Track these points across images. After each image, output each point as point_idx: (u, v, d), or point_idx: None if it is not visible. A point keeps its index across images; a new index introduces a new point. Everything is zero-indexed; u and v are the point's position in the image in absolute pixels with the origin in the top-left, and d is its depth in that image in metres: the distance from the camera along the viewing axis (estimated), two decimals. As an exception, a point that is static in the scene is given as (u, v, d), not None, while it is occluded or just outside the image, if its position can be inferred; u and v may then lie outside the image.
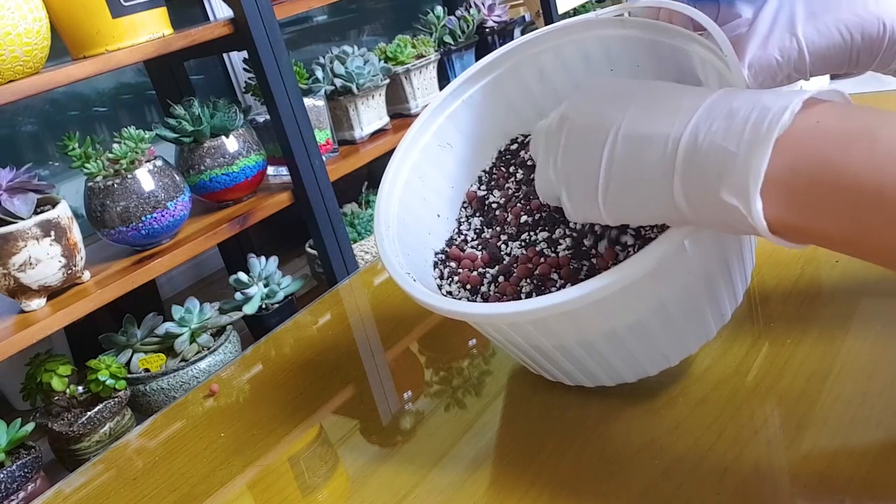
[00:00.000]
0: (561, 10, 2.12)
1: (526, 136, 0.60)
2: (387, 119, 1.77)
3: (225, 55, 1.87)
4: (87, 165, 1.25)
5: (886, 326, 0.50)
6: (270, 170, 1.56)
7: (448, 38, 1.91)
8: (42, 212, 1.13)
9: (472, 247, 0.55)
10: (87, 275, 1.23)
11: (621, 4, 0.54)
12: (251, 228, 1.45)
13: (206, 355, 1.33)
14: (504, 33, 2.02)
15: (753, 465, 0.42)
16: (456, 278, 0.53)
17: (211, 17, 1.83)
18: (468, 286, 0.52)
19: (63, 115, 1.62)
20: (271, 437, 0.58)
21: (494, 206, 0.56)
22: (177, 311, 1.36)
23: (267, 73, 1.39)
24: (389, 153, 0.58)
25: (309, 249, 1.69)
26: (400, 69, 1.77)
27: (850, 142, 0.33)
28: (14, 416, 1.14)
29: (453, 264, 0.54)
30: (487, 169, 0.60)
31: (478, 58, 1.88)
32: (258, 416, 0.62)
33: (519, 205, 0.54)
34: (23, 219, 1.10)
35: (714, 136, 0.36)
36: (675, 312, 0.45)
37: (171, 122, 1.40)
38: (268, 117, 1.49)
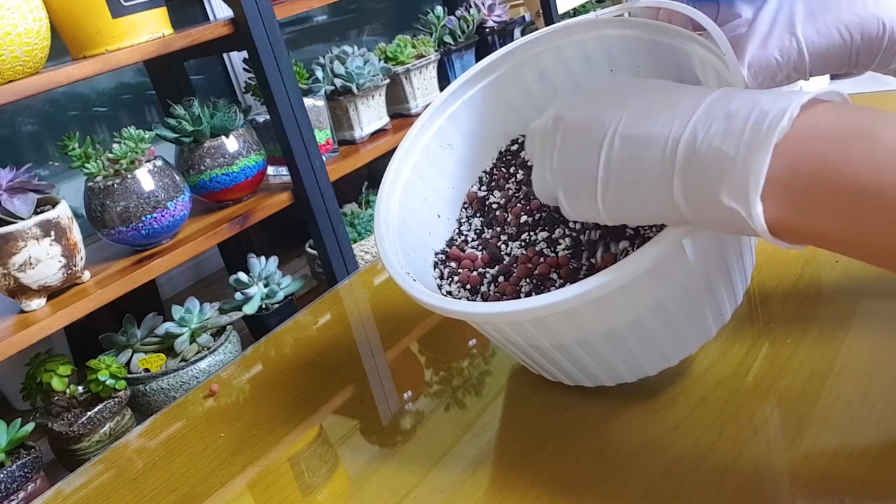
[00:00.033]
0: (561, 11, 2.13)
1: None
2: (387, 119, 1.77)
3: (225, 55, 1.87)
4: (87, 165, 1.25)
5: (886, 326, 0.50)
6: (270, 170, 1.56)
7: (448, 38, 1.91)
8: (42, 212, 1.13)
9: (473, 247, 0.55)
10: (87, 275, 1.23)
11: (621, 5, 0.54)
12: (251, 228, 1.45)
13: (206, 355, 1.33)
14: (504, 33, 2.02)
15: (753, 465, 0.42)
16: (456, 278, 0.53)
17: (211, 17, 1.83)
18: (468, 286, 0.52)
19: (63, 115, 1.62)
20: (271, 437, 0.58)
21: (495, 206, 0.56)
22: (177, 311, 1.36)
23: (267, 73, 1.39)
24: (389, 153, 0.58)
25: (309, 249, 1.69)
26: (400, 69, 1.77)
27: (849, 142, 0.33)
28: (14, 416, 1.14)
29: (453, 264, 0.54)
30: (488, 169, 0.60)
31: (478, 58, 1.88)
32: (258, 416, 0.62)
33: (519, 205, 0.54)
34: (23, 219, 1.10)
35: (713, 139, 0.36)
36: (674, 312, 0.45)
37: (171, 122, 1.40)
38: (268, 117, 1.49)
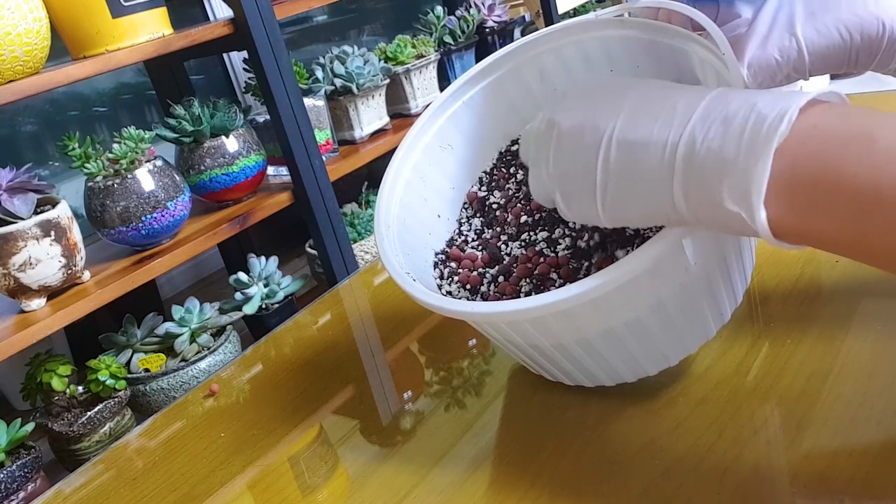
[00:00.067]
0: (561, 11, 2.13)
1: (526, 137, 0.60)
2: (387, 119, 1.77)
3: (225, 55, 1.87)
4: (87, 165, 1.25)
5: (886, 326, 0.50)
6: (270, 170, 1.56)
7: (448, 38, 1.91)
8: (42, 212, 1.13)
9: (473, 247, 0.55)
10: (87, 275, 1.23)
11: (621, 5, 0.54)
12: (251, 228, 1.45)
13: (206, 355, 1.33)
14: (504, 33, 2.02)
15: (753, 465, 0.42)
16: (456, 278, 0.53)
17: (211, 17, 1.83)
18: (468, 286, 0.52)
19: (63, 115, 1.62)
20: (271, 437, 0.58)
21: (495, 206, 0.56)
22: (177, 311, 1.36)
23: (267, 73, 1.39)
24: (389, 153, 0.58)
25: (309, 249, 1.69)
26: (400, 69, 1.77)
27: (847, 144, 0.33)
28: (14, 416, 1.14)
29: (453, 264, 0.55)
30: (488, 170, 0.60)
31: (478, 58, 1.88)
32: (258, 416, 0.62)
33: (519, 205, 0.54)
34: (23, 219, 1.10)
35: (712, 143, 0.35)
36: (673, 312, 0.45)
37: (171, 122, 1.40)
38: (268, 117, 1.49)
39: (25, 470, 1.10)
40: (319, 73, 1.65)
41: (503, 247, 0.53)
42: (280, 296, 1.50)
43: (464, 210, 0.59)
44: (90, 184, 1.27)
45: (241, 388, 0.68)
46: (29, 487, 1.10)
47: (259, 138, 1.49)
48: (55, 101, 1.60)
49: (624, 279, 0.40)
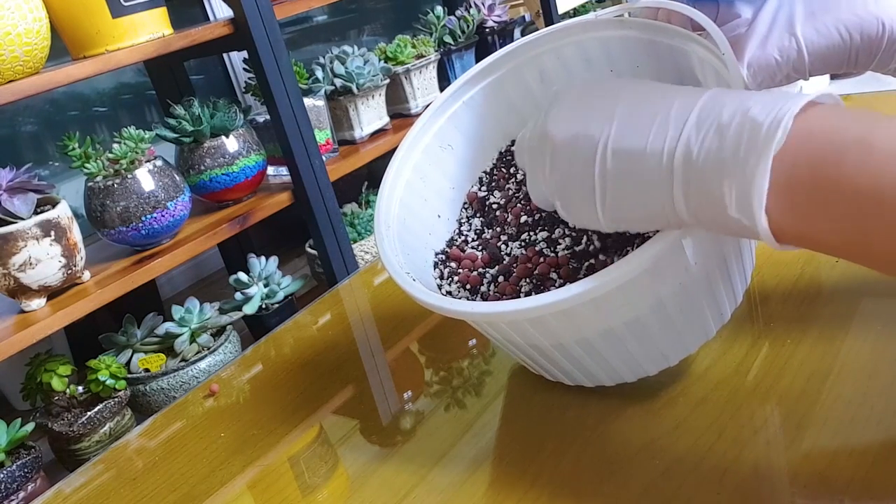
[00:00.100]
0: (561, 11, 2.13)
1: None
2: (387, 119, 1.77)
3: (225, 55, 1.87)
4: (87, 165, 1.25)
5: (886, 326, 0.50)
6: (270, 170, 1.56)
7: (448, 38, 1.91)
8: (42, 212, 1.13)
9: (473, 247, 0.55)
10: (87, 275, 1.23)
11: (621, 5, 0.54)
12: (251, 228, 1.45)
13: (206, 355, 1.33)
14: (504, 33, 2.02)
15: (753, 465, 0.42)
16: (456, 278, 0.53)
17: (211, 17, 1.83)
18: (468, 286, 0.52)
19: (63, 115, 1.62)
20: (271, 437, 0.58)
21: (495, 206, 0.56)
22: (177, 311, 1.36)
23: (267, 73, 1.39)
24: (389, 153, 0.58)
25: (309, 249, 1.69)
26: (400, 69, 1.77)
27: (844, 151, 0.33)
28: (14, 416, 1.14)
29: (453, 264, 0.55)
30: (488, 170, 0.60)
31: (478, 58, 1.88)
32: (258, 416, 0.62)
33: (519, 205, 0.54)
34: (23, 219, 1.10)
35: (709, 153, 0.35)
36: (673, 311, 0.45)
37: (171, 122, 1.40)
38: (268, 117, 1.49)
39: (25, 470, 1.10)
40: (319, 73, 1.65)
41: (503, 247, 0.53)
42: (280, 296, 1.50)
43: (464, 210, 0.59)
44: (90, 184, 1.27)
45: (241, 388, 0.68)
46: (29, 487, 1.10)
47: (259, 138, 1.49)
48: (55, 101, 1.60)
49: (624, 279, 0.40)
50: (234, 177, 1.42)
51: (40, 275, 1.12)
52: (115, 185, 1.25)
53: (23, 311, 1.15)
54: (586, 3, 2.28)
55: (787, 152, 0.34)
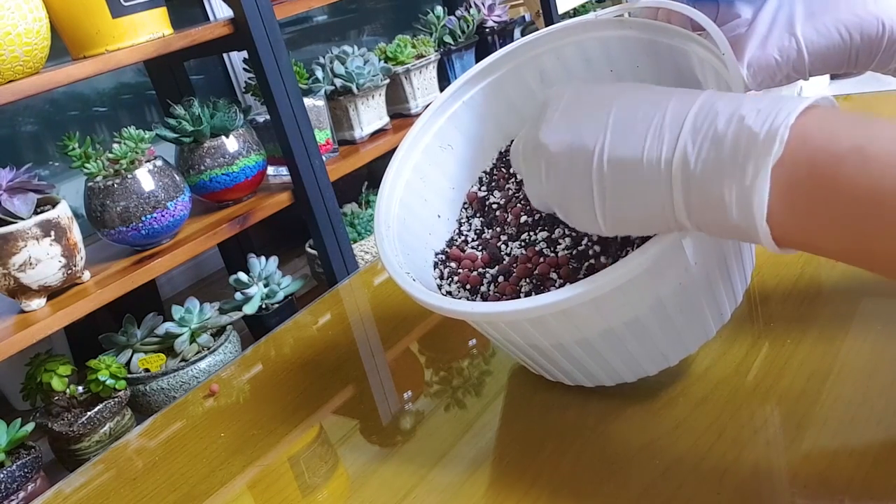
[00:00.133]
0: (561, 11, 2.13)
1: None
2: (387, 119, 1.77)
3: (225, 55, 1.87)
4: (87, 165, 1.25)
5: (886, 326, 0.50)
6: (270, 170, 1.56)
7: (448, 38, 1.91)
8: (42, 212, 1.13)
9: (473, 247, 0.55)
10: (87, 275, 1.23)
11: (621, 5, 0.54)
12: (251, 228, 1.45)
13: (206, 355, 1.33)
14: (504, 33, 2.02)
15: (753, 466, 0.42)
16: (456, 278, 0.53)
17: (211, 17, 1.83)
18: (468, 286, 0.52)
19: (63, 115, 1.62)
20: (271, 437, 0.58)
21: (495, 206, 0.56)
22: (177, 311, 1.36)
23: (267, 73, 1.39)
24: (389, 153, 0.58)
25: (309, 249, 1.69)
26: (400, 69, 1.77)
27: (841, 160, 0.33)
28: (14, 416, 1.14)
29: (453, 264, 0.55)
30: (488, 170, 0.60)
31: (478, 58, 1.88)
32: (258, 416, 0.62)
33: (519, 205, 0.54)
34: (23, 219, 1.10)
35: (706, 163, 0.35)
36: (673, 311, 0.45)
37: (171, 122, 1.40)
38: (268, 117, 1.49)
39: (25, 470, 1.10)
40: (319, 73, 1.65)
41: (503, 247, 0.53)
42: (280, 296, 1.50)
43: (464, 210, 0.59)
44: (90, 184, 1.27)
45: (241, 388, 0.68)
46: (29, 487, 1.10)
47: (259, 138, 1.49)
48: (55, 101, 1.60)
49: (624, 279, 0.40)
50: (234, 177, 1.42)
51: (40, 275, 1.12)
52: (115, 185, 1.25)
53: (23, 311, 1.15)
54: (586, 3, 2.28)
55: (784, 160, 0.34)
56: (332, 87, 1.65)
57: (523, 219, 0.53)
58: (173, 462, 0.59)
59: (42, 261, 1.11)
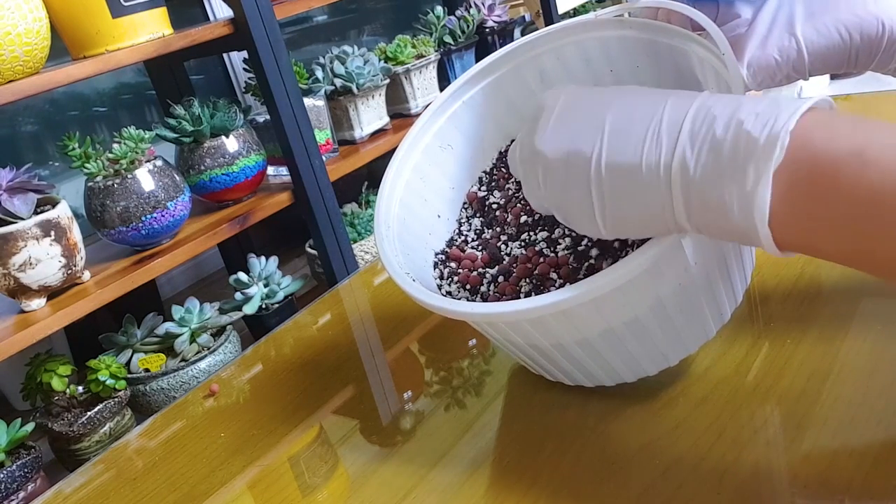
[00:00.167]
0: (561, 11, 2.13)
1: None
2: (387, 119, 1.77)
3: (225, 55, 1.87)
4: (87, 165, 1.25)
5: (886, 326, 0.50)
6: (270, 170, 1.56)
7: (448, 38, 1.91)
8: (42, 212, 1.13)
9: (473, 247, 0.55)
10: (87, 275, 1.23)
11: (621, 5, 0.54)
12: (251, 228, 1.45)
13: (206, 355, 1.33)
14: (504, 33, 2.02)
15: (753, 466, 0.42)
16: (456, 278, 0.53)
17: (211, 17, 1.83)
18: (468, 286, 0.52)
19: (63, 115, 1.62)
20: (271, 437, 0.58)
21: (495, 206, 0.56)
22: (177, 311, 1.36)
23: (267, 73, 1.39)
24: (389, 153, 0.58)
25: (309, 249, 1.69)
26: (400, 69, 1.77)
27: (840, 164, 0.33)
28: (14, 416, 1.14)
29: (453, 264, 0.55)
30: (488, 170, 0.60)
31: (478, 58, 1.88)
32: (258, 416, 0.62)
33: (519, 205, 0.54)
34: (23, 219, 1.10)
35: (706, 168, 0.35)
36: (673, 311, 0.45)
37: (171, 122, 1.40)
38: (268, 117, 1.49)
39: (25, 470, 1.10)
40: (319, 73, 1.65)
41: (503, 247, 0.53)
42: (280, 296, 1.50)
43: (464, 210, 0.59)
44: (90, 184, 1.27)
45: (241, 388, 0.68)
46: (29, 487, 1.10)
47: (259, 138, 1.49)
48: (55, 101, 1.60)
49: (623, 279, 0.40)
50: (234, 177, 1.42)
51: (40, 275, 1.12)
52: (115, 185, 1.25)
53: (23, 311, 1.15)
54: (586, 3, 2.28)
55: (784, 164, 0.34)
56: (332, 87, 1.65)
57: (523, 219, 0.53)
58: (173, 462, 0.59)
59: (42, 261, 1.11)
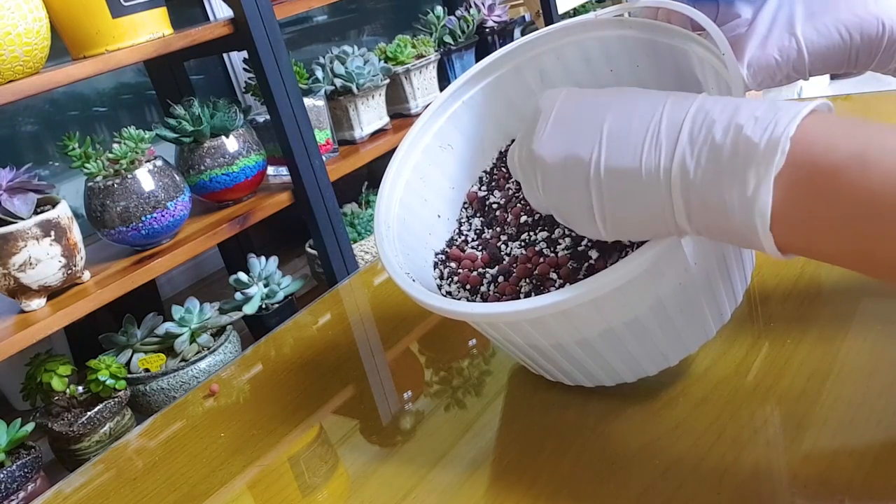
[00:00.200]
0: (561, 11, 2.13)
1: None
2: (387, 119, 1.77)
3: (225, 55, 1.87)
4: (87, 165, 1.25)
5: (886, 326, 0.50)
6: (270, 170, 1.56)
7: (448, 38, 1.91)
8: (42, 212, 1.13)
9: (473, 247, 0.55)
10: (87, 275, 1.23)
11: (621, 5, 0.54)
12: (251, 228, 1.45)
13: (206, 355, 1.33)
14: (504, 33, 2.02)
15: (753, 466, 0.42)
16: (456, 278, 0.53)
17: (211, 17, 1.83)
18: (468, 286, 0.52)
19: (63, 115, 1.62)
20: (271, 437, 0.58)
21: (495, 206, 0.56)
22: (177, 311, 1.36)
23: (267, 73, 1.39)
24: (389, 153, 0.58)
25: (309, 249, 1.69)
26: (400, 69, 1.77)
27: (840, 167, 0.33)
28: (14, 416, 1.14)
29: (453, 264, 0.55)
30: (488, 170, 0.60)
31: (478, 58, 1.88)
32: (258, 416, 0.62)
33: (519, 205, 0.54)
34: (23, 219, 1.10)
35: (706, 173, 0.35)
36: (673, 312, 0.45)
37: (171, 122, 1.40)
38: (268, 117, 1.49)
39: (25, 470, 1.10)
40: (319, 73, 1.65)
41: (503, 247, 0.53)
42: (280, 296, 1.50)
43: (464, 210, 0.59)
44: (90, 184, 1.27)
45: (241, 388, 0.68)
46: (29, 487, 1.10)
47: (259, 138, 1.49)
48: (55, 101, 1.60)
49: (624, 279, 0.40)
50: (234, 177, 1.42)
51: (40, 275, 1.12)
52: (115, 185, 1.25)
53: (23, 311, 1.15)
54: (586, 3, 2.28)
55: (784, 169, 0.34)
56: (332, 87, 1.65)
57: (523, 219, 0.53)
58: (173, 462, 0.59)
59: (42, 261, 1.11)
